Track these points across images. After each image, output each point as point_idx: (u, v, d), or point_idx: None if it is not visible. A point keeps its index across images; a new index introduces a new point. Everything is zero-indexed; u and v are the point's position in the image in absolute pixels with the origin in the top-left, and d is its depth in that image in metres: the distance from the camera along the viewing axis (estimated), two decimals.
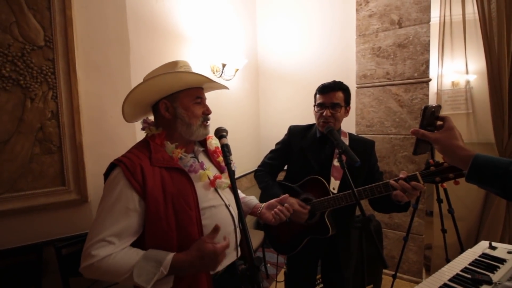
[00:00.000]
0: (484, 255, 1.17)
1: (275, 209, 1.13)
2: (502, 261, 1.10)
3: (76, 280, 1.36)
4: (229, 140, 0.99)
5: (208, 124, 1.03)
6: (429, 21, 2.17)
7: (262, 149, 3.32)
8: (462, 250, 1.53)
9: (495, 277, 1.01)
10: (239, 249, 1.07)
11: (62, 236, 1.42)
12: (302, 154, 1.45)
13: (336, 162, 1.36)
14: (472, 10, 2.24)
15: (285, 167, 1.59)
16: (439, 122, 0.78)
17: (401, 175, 1.13)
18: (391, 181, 1.14)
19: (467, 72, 2.42)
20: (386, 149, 2.40)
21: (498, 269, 1.05)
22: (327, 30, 2.80)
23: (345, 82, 1.39)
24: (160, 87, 0.94)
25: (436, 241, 2.42)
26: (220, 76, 2.43)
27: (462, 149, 0.70)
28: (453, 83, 2.59)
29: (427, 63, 2.19)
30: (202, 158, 1.09)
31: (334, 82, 1.37)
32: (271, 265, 2.71)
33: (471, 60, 2.38)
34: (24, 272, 1.34)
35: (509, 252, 1.17)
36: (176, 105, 0.97)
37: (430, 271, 2.48)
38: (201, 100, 1.02)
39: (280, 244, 1.52)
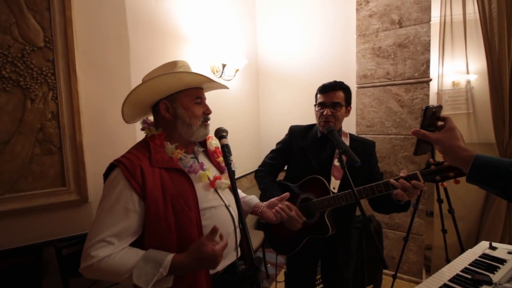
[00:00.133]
0: (484, 256, 1.17)
1: (276, 207, 1.13)
2: (502, 261, 1.10)
3: (76, 280, 1.36)
4: (229, 140, 0.99)
5: (208, 124, 1.03)
6: (430, 21, 2.16)
7: (262, 149, 3.32)
8: (462, 251, 1.53)
9: (495, 277, 1.00)
10: (239, 249, 1.07)
11: (62, 236, 1.43)
12: (302, 154, 1.45)
13: (336, 162, 1.36)
14: (472, 10, 2.24)
15: (285, 167, 1.59)
16: (440, 123, 0.78)
17: (401, 174, 1.13)
18: (392, 180, 1.14)
19: (467, 72, 2.42)
20: (387, 149, 2.40)
21: (498, 269, 1.05)
22: (327, 30, 2.80)
23: (345, 82, 1.40)
24: (159, 87, 0.94)
25: (436, 242, 2.42)
26: (220, 76, 2.42)
27: (463, 149, 0.70)
28: (453, 83, 2.59)
29: (427, 63, 2.19)
30: (202, 158, 1.09)
31: (335, 81, 1.37)
32: (271, 265, 2.71)
33: (472, 60, 2.38)
34: (24, 273, 1.34)
35: (509, 253, 1.16)
36: (176, 106, 0.97)
37: (430, 271, 2.48)
38: (201, 100, 1.01)
39: (279, 244, 1.52)
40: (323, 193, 1.34)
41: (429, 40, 2.17)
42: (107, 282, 1.38)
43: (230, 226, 1.02)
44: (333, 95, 1.34)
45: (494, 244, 1.24)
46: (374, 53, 2.39)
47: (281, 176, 1.60)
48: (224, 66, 2.38)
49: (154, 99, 0.99)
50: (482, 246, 1.25)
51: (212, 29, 2.42)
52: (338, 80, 1.39)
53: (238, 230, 1.05)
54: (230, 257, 1.02)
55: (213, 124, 1.05)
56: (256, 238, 2.42)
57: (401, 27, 2.26)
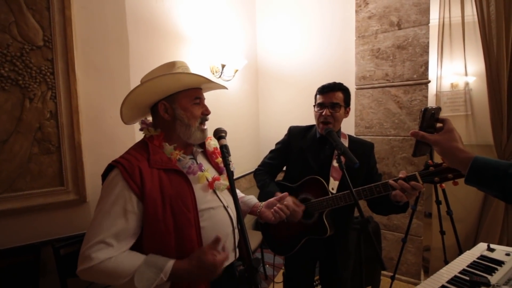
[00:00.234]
0: (482, 257, 1.17)
1: (275, 207, 1.13)
2: (500, 263, 1.10)
3: (74, 280, 1.36)
4: (228, 140, 0.99)
5: (205, 128, 1.03)
6: (428, 23, 2.17)
7: (261, 149, 3.32)
8: (461, 252, 1.53)
9: (493, 279, 1.00)
10: (237, 250, 1.07)
11: (60, 236, 1.42)
12: (301, 154, 1.45)
13: (335, 163, 1.37)
14: (471, 12, 2.25)
15: (284, 168, 1.59)
16: (438, 124, 0.78)
17: (400, 175, 1.13)
18: (391, 181, 1.14)
19: (466, 74, 2.43)
20: (385, 151, 2.40)
21: (496, 271, 1.05)
22: (326, 31, 2.80)
23: (344, 84, 1.41)
24: (158, 88, 0.94)
25: (434, 243, 2.42)
26: (220, 76, 2.42)
27: (461, 151, 0.70)
28: (452, 85, 2.60)
29: (426, 64, 2.20)
30: (201, 159, 1.09)
31: (334, 83, 1.39)
32: (270, 266, 2.71)
33: (470, 62, 2.39)
34: (22, 273, 1.33)
35: (507, 254, 1.17)
36: (175, 106, 0.97)
37: (428, 272, 2.48)
38: (200, 100, 1.01)
39: (277, 245, 1.52)
40: (321, 194, 1.34)
41: (428, 42, 2.18)
42: (103, 284, 1.38)
43: (229, 227, 1.01)
44: (332, 96, 1.35)
45: (492, 245, 1.24)
46: (373, 55, 2.40)
47: (280, 177, 1.60)
48: (223, 66, 2.38)
49: (152, 100, 0.99)
50: (480, 248, 1.25)
51: (212, 30, 2.42)
52: (337, 81, 1.40)
53: (236, 231, 1.05)
54: (228, 258, 1.01)
55: (212, 124, 1.05)
56: (255, 238, 2.42)
57: (400, 29, 2.27)
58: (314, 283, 1.94)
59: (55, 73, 1.36)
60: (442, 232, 1.95)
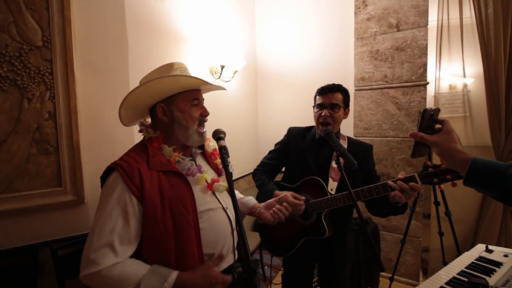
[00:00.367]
0: (480, 258, 1.17)
1: (274, 208, 1.13)
2: (498, 264, 1.10)
3: (72, 282, 1.35)
4: (227, 141, 0.99)
5: (204, 130, 1.02)
6: (427, 24, 2.18)
7: (260, 150, 3.31)
8: (459, 253, 1.53)
9: (492, 280, 1.01)
10: (236, 252, 1.07)
11: (58, 237, 1.41)
12: (300, 155, 1.45)
13: (334, 164, 1.37)
14: (469, 14, 2.26)
15: (283, 169, 1.59)
16: (437, 125, 0.78)
17: (399, 176, 1.14)
18: (390, 182, 1.15)
19: (464, 76, 2.44)
20: (384, 152, 2.41)
21: (494, 272, 1.06)
22: (325, 33, 2.81)
23: (343, 85, 1.42)
24: (156, 90, 0.94)
25: (433, 244, 2.42)
26: (219, 77, 2.42)
27: (460, 152, 0.70)
28: (450, 86, 2.61)
29: (424, 66, 2.21)
30: (200, 160, 1.09)
31: (334, 84, 1.40)
32: (269, 267, 2.70)
33: (468, 64, 2.40)
34: (19, 274, 1.32)
35: (505, 256, 1.17)
36: (173, 108, 0.97)
37: (427, 273, 2.48)
38: (198, 101, 1.01)
39: (276, 246, 1.52)
40: (320, 194, 1.34)
41: (427, 44, 2.19)
42: None
43: (228, 228, 1.01)
44: (331, 97, 1.36)
45: (490, 247, 1.24)
46: (372, 56, 2.40)
47: (279, 178, 1.60)
48: (222, 67, 2.38)
49: (151, 102, 0.99)
50: (479, 249, 1.25)
51: (211, 31, 2.43)
52: (336, 82, 1.41)
53: (235, 232, 1.05)
54: (227, 259, 1.01)
55: (212, 125, 1.04)
56: (253, 240, 2.42)
57: (398, 30, 2.28)
58: (313, 285, 1.94)
59: (54, 73, 1.36)
60: (441, 233, 1.95)
